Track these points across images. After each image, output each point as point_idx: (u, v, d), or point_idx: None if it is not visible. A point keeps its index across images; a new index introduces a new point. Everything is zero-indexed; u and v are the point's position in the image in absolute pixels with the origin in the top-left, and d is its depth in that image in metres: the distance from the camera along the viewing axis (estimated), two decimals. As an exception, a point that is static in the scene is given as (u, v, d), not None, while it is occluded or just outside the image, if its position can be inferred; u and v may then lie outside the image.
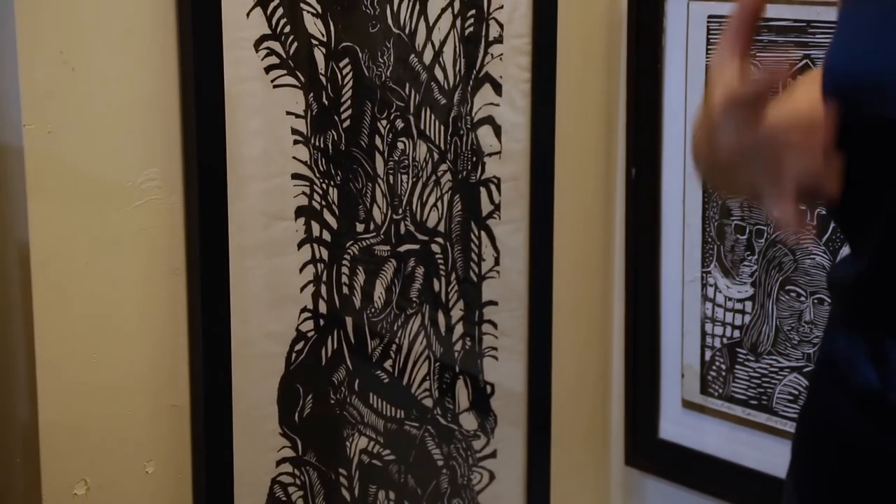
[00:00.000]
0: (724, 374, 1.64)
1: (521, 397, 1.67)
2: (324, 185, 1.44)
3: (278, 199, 1.41)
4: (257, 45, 1.36)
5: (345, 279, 1.47)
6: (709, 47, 1.60)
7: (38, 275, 1.26)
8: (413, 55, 1.49)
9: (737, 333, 1.61)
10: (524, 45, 1.59)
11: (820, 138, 0.75)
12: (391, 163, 1.49)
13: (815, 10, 1.46)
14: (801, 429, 0.92)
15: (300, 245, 1.43)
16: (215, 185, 1.34)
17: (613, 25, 1.71)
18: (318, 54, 1.41)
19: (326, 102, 1.43)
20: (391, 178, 1.49)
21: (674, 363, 1.70)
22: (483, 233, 1.59)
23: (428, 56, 1.50)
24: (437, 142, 1.53)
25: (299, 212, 1.43)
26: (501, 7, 1.56)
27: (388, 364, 1.53)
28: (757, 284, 1.58)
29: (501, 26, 1.56)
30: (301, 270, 1.44)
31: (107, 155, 1.29)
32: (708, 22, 1.59)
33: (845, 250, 1.17)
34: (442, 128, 1.53)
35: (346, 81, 1.44)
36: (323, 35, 1.41)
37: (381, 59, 1.46)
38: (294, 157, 1.41)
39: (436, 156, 1.53)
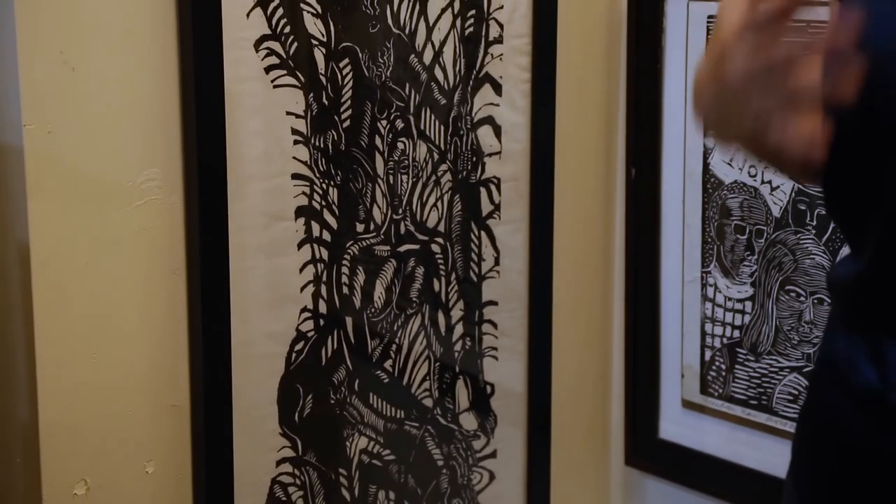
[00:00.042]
0: (723, 374, 1.64)
1: (521, 397, 1.67)
2: (324, 185, 1.44)
3: (278, 199, 1.41)
4: (257, 45, 1.36)
5: (345, 279, 1.47)
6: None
7: (38, 275, 1.26)
8: (413, 55, 1.49)
9: (737, 333, 1.61)
10: (524, 45, 1.59)
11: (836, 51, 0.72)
12: (391, 163, 1.49)
13: None
14: (801, 429, 0.92)
15: (300, 245, 1.43)
16: (215, 185, 1.34)
17: (613, 25, 1.71)
18: (318, 54, 1.41)
19: (326, 102, 1.43)
20: (391, 178, 1.49)
21: (674, 363, 1.70)
22: (483, 233, 1.59)
23: (428, 56, 1.50)
24: (437, 142, 1.53)
25: (299, 212, 1.43)
26: (501, 7, 1.56)
27: (388, 364, 1.53)
28: (757, 284, 1.58)
29: (501, 26, 1.56)
30: (301, 270, 1.44)
31: (107, 155, 1.29)
32: (708, 22, 1.59)
33: (845, 250, 1.17)
34: (442, 128, 1.53)
35: (346, 81, 1.44)
36: (323, 35, 1.41)
37: (381, 60, 1.46)
38: (294, 157, 1.41)
39: (436, 156, 1.53)
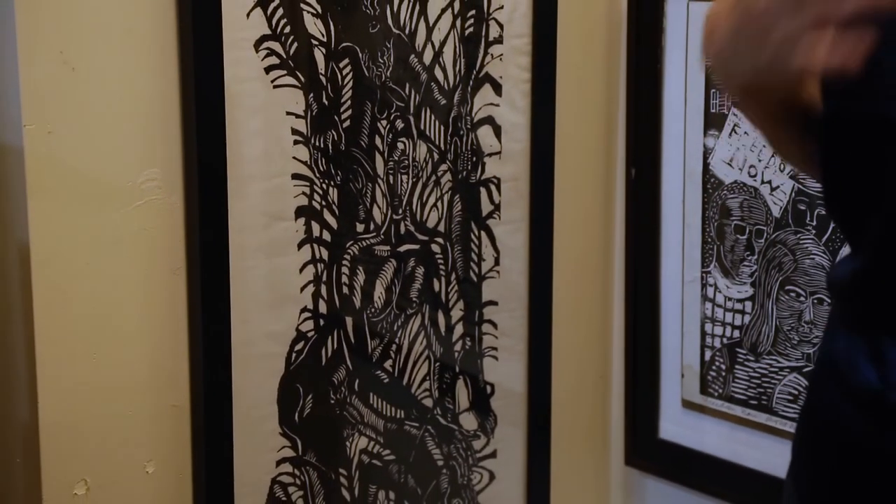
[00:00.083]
0: (723, 374, 1.64)
1: (521, 397, 1.67)
2: (324, 186, 1.44)
3: (278, 199, 1.41)
4: (257, 45, 1.36)
5: (345, 279, 1.47)
6: (709, 47, 1.60)
7: (38, 275, 1.26)
8: (413, 55, 1.49)
9: (737, 333, 1.61)
10: (524, 45, 1.59)
11: None
12: (391, 163, 1.49)
13: None
14: (801, 429, 0.92)
15: (300, 245, 1.43)
16: (215, 185, 1.34)
17: (613, 25, 1.71)
18: (318, 54, 1.41)
19: (326, 102, 1.43)
20: (391, 178, 1.49)
21: (674, 363, 1.70)
22: (483, 233, 1.59)
23: (428, 56, 1.50)
24: (437, 142, 1.53)
25: (299, 212, 1.43)
26: (501, 7, 1.56)
27: (388, 364, 1.53)
28: (757, 284, 1.58)
29: (501, 26, 1.56)
30: (301, 270, 1.44)
31: (107, 155, 1.29)
32: (708, 22, 1.59)
33: (845, 250, 1.17)
34: (442, 128, 1.53)
35: (346, 81, 1.44)
36: (323, 35, 1.41)
37: (381, 60, 1.46)
38: (294, 157, 1.41)
39: (436, 156, 1.53)
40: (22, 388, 1.30)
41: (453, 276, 1.57)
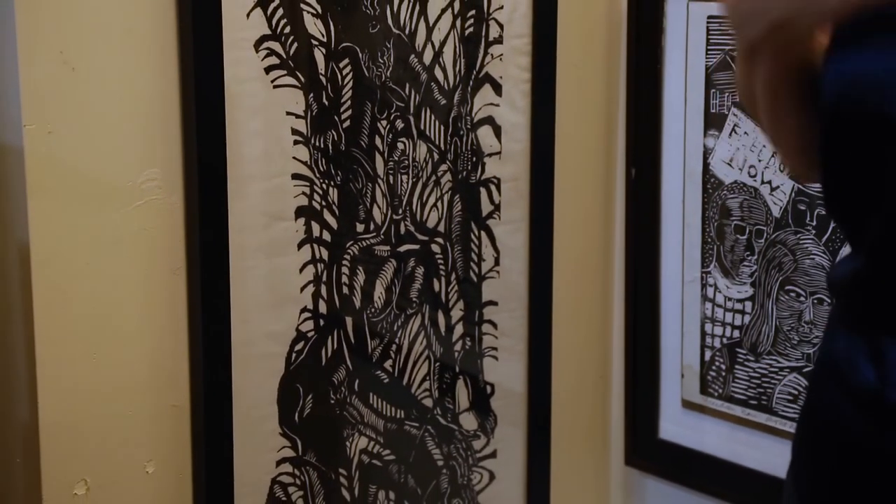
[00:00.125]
0: (723, 374, 1.64)
1: (521, 397, 1.67)
2: (324, 186, 1.44)
3: (278, 199, 1.41)
4: (257, 45, 1.36)
5: (345, 279, 1.47)
6: (708, 48, 1.60)
7: (38, 275, 1.26)
8: (413, 55, 1.49)
9: (736, 333, 1.61)
10: (524, 46, 1.59)
11: None
12: (391, 163, 1.49)
13: None
14: (800, 429, 0.92)
15: (300, 245, 1.43)
16: (215, 185, 1.34)
17: (613, 26, 1.71)
18: (318, 54, 1.41)
19: (326, 103, 1.43)
20: (391, 178, 1.49)
21: (674, 363, 1.70)
22: (483, 233, 1.59)
23: (428, 56, 1.50)
24: (437, 142, 1.53)
25: (299, 212, 1.43)
26: (501, 7, 1.56)
27: (388, 364, 1.53)
28: (757, 284, 1.58)
29: (501, 26, 1.56)
30: (301, 270, 1.44)
31: (107, 155, 1.29)
32: (708, 22, 1.59)
33: (845, 250, 1.17)
34: (442, 128, 1.53)
35: (346, 82, 1.44)
36: (323, 35, 1.41)
37: (381, 60, 1.46)
38: (294, 158, 1.41)
39: (436, 156, 1.53)
40: (22, 388, 1.30)
41: (453, 276, 1.57)
